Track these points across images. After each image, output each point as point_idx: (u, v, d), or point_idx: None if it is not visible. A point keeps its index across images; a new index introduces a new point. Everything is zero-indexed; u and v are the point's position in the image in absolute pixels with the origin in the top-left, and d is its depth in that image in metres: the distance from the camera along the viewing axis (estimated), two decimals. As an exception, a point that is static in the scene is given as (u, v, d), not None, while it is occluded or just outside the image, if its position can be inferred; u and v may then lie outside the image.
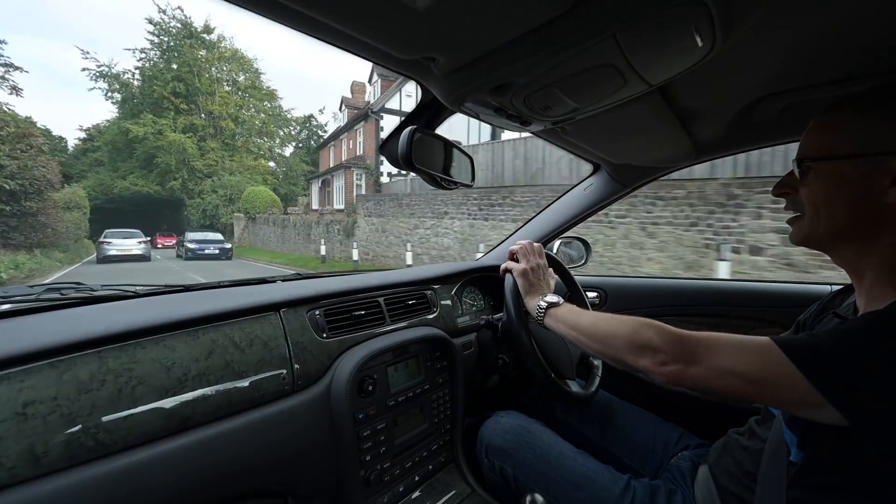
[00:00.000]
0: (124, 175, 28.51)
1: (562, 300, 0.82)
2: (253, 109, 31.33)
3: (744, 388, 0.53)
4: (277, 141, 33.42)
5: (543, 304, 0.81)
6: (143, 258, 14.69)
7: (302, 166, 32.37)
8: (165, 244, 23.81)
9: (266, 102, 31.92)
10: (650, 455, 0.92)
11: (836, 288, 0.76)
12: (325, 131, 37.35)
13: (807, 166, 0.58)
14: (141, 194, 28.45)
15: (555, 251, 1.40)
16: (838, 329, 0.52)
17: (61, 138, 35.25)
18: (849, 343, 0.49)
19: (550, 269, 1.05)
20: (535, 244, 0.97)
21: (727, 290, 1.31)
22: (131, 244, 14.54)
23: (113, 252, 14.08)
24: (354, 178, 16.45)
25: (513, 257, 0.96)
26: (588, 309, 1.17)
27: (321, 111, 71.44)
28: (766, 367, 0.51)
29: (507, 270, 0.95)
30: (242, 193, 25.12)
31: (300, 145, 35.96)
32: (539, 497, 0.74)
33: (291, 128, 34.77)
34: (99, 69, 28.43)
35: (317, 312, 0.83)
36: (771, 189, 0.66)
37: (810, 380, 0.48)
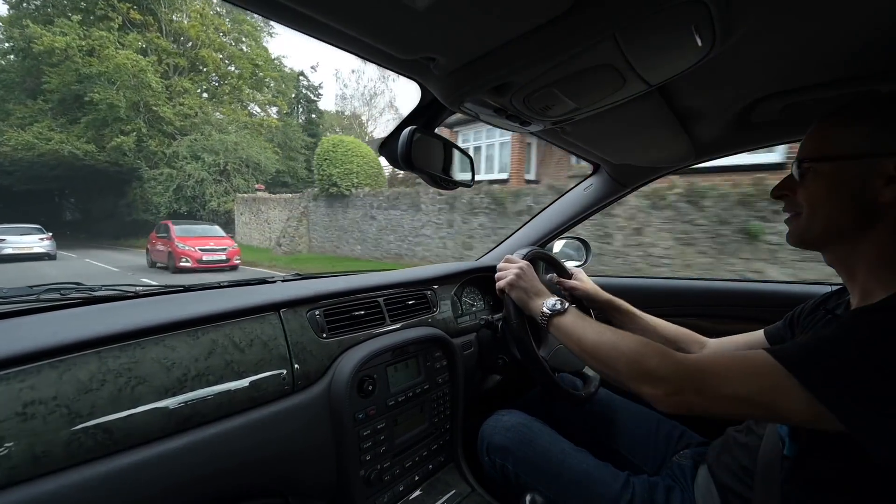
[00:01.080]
0: (24, 123, 15.61)
1: (567, 305, 0.78)
2: (244, 45, 20.03)
3: (752, 412, 0.55)
4: (269, 96, 21.90)
5: (547, 310, 0.78)
6: (47, 256, 12.39)
7: (302, 137, 22.22)
8: (203, 257, 9.30)
9: (253, 40, 20.33)
10: (652, 452, 0.93)
11: (835, 288, 0.76)
12: (320, 94, 26.23)
13: (806, 167, 0.61)
14: (58, 158, 15.98)
15: (555, 251, 1.40)
16: (837, 335, 0.52)
17: None
18: (852, 354, 0.49)
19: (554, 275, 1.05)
20: (507, 256, 0.95)
21: (726, 290, 1.31)
22: (31, 241, 12.31)
23: (8, 250, 11.68)
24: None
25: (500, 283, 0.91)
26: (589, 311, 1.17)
27: (314, 69, 44.78)
28: (774, 389, 0.51)
29: (502, 290, 0.91)
30: (247, 160, 16.09)
31: (288, 112, 24.21)
32: (539, 497, 0.74)
33: (287, 83, 22.96)
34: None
35: (316, 312, 0.83)
36: (770, 191, 0.68)
37: (821, 401, 0.48)
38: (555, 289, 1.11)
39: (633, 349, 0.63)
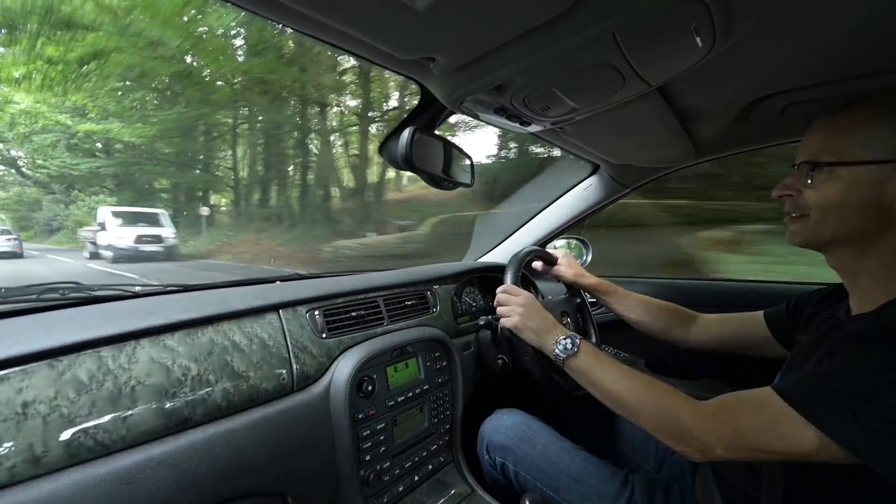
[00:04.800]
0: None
1: (578, 340, 0.76)
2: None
3: (778, 458, 0.56)
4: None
5: (561, 353, 0.76)
6: (12, 255, 12.60)
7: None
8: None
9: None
10: (653, 449, 0.93)
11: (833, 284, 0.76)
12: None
13: (818, 169, 0.58)
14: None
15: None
16: (845, 372, 0.51)
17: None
18: (866, 394, 0.49)
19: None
20: (505, 286, 0.91)
21: (726, 290, 1.31)
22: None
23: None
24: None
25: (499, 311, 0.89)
26: (588, 311, 1.17)
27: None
28: (795, 439, 0.52)
29: (507, 329, 0.89)
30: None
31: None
32: (539, 496, 0.74)
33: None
34: None
35: (316, 312, 0.83)
36: (772, 190, 0.66)
37: (842, 444, 0.49)
38: (560, 304, 1.11)
39: (656, 403, 0.62)
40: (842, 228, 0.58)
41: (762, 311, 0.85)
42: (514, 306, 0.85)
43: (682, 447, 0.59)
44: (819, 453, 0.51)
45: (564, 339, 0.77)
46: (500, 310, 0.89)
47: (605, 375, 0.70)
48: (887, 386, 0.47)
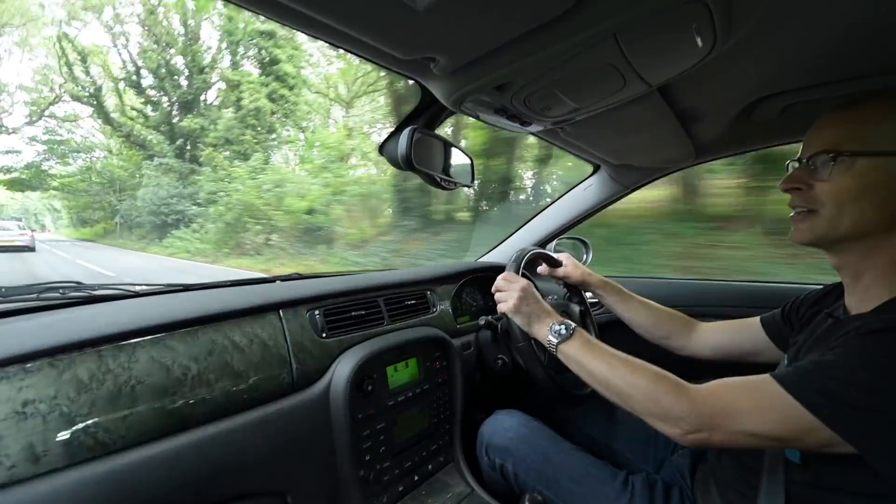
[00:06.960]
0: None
1: (572, 328, 0.76)
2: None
3: (767, 444, 0.55)
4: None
5: (553, 339, 0.76)
6: (26, 248, 13.48)
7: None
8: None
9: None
10: (652, 451, 0.93)
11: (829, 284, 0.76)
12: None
13: (840, 159, 0.55)
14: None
15: (553, 251, 1.41)
16: (842, 361, 0.51)
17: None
18: (860, 381, 0.49)
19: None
20: (505, 273, 0.91)
21: (726, 290, 1.31)
22: (13, 235, 13.74)
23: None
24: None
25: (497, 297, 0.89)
26: (588, 313, 1.17)
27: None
28: (787, 422, 0.52)
29: (503, 313, 0.88)
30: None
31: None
32: (538, 497, 0.74)
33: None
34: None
35: (316, 312, 0.83)
36: (779, 183, 0.63)
37: (834, 429, 0.49)
38: (561, 305, 1.11)
39: (646, 386, 0.62)
40: (858, 224, 0.56)
41: (759, 317, 0.85)
42: (511, 291, 0.85)
43: (673, 430, 0.59)
44: (812, 439, 0.50)
45: (559, 325, 0.77)
46: (497, 295, 0.88)
47: (598, 361, 0.70)
48: (887, 376, 0.47)
